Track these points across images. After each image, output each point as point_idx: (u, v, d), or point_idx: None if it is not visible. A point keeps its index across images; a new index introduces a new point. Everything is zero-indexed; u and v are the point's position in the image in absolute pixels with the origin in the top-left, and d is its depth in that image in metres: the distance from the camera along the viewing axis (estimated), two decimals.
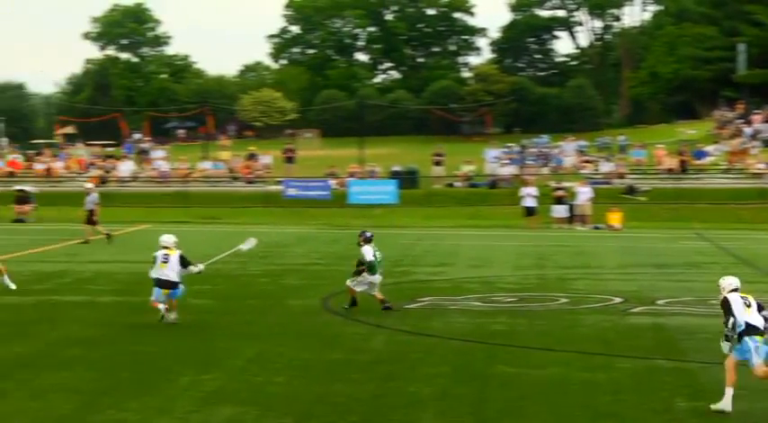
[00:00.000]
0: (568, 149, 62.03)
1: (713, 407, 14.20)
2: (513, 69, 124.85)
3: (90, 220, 38.55)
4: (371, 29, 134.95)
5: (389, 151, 75.58)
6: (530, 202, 46.63)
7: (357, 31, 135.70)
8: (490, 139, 78.63)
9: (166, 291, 20.46)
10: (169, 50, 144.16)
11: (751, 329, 14.12)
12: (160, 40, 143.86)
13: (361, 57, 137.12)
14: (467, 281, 27.84)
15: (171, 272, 20.48)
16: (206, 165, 61.62)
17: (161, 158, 63.21)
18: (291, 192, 55.64)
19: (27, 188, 50.84)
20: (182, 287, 20.69)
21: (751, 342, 14.06)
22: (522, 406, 14.47)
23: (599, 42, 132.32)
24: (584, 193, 47.09)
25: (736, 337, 14.16)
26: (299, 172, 61.74)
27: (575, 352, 17.76)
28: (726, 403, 14.13)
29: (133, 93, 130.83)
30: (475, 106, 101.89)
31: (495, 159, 60.84)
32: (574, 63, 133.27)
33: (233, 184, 59.26)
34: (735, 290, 14.67)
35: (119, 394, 14.88)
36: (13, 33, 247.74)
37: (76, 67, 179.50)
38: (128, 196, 56.03)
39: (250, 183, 59.18)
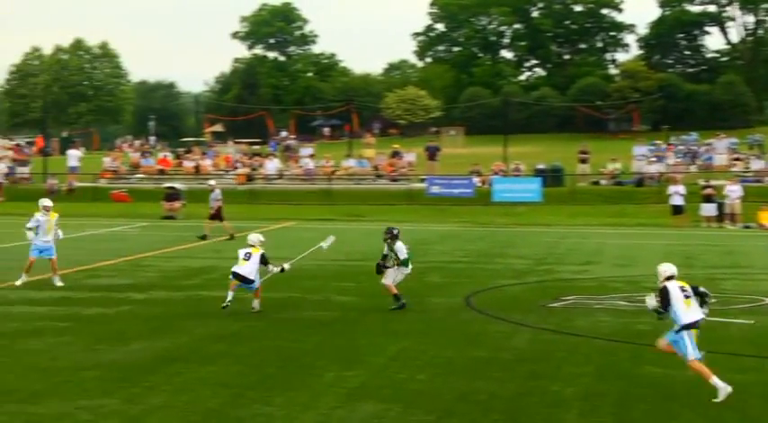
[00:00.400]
0: (719, 147, 60.74)
1: (716, 400, 14.25)
2: (662, 66, 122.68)
3: (214, 216, 39.41)
4: (517, 26, 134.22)
5: (533, 149, 75.09)
6: (677, 201, 45.87)
7: (503, 28, 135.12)
8: (637, 137, 77.48)
9: (236, 282, 21.55)
10: (315, 49, 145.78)
11: (689, 325, 14.56)
12: (307, 39, 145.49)
13: (507, 54, 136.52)
14: (612, 280, 27.48)
15: (249, 269, 21.48)
16: (350, 162, 62.07)
17: (307, 156, 63.88)
18: (435, 189, 55.70)
19: (176, 185, 51.91)
20: (256, 282, 21.59)
21: (688, 338, 14.53)
22: (669, 408, 14.20)
23: (751, 38, 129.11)
24: (734, 192, 46.11)
25: (676, 327, 14.62)
26: (442, 169, 61.74)
27: (724, 353, 17.34)
28: (722, 390, 14.32)
29: (280, 91, 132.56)
30: (622, 103, 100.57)
31: (641, 157, 59.98)
32: (724, 59, 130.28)
33: (377, 182, 59.54)
34: (670, 277, 14.89)
35: (264, 389, 15.07)
36: (164, 34, 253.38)
37: (225, 67, 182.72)
38: (273, 194, 56.77)
39: (394, 180, 59.41)
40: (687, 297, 14.70)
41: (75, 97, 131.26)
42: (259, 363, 16.81)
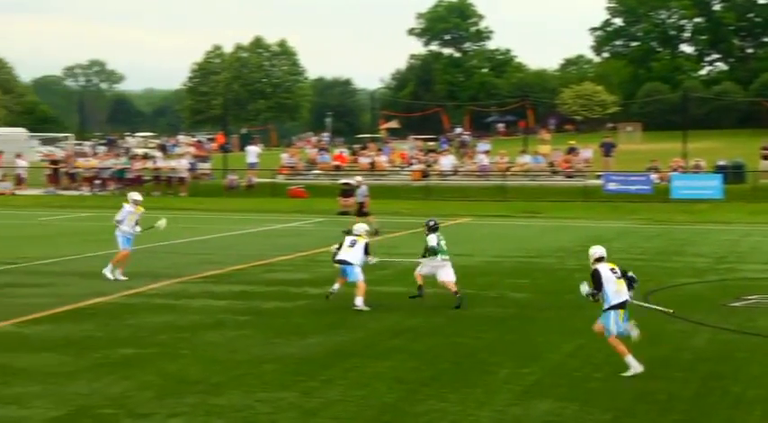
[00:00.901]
0: None
1: (625, 374, 15.43)
2: None
3: (361, 212, 39.75)
4: (698, 20, 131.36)
5: (714, 145, 73.34)
6: None
7: (683, 22, 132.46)
8: None
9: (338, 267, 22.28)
10: (491, 45, 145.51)
11: (615, 306, 15.59)
12: (482, 35, 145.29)
13: (687, 48, 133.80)
14: None
15: (353, 255, 22.12)
16: (525, 158, 61.66)
17: (483, 152, 63.74)
18: (611, 186, 54.90)
19: (352, 182, 52.44)
20: (357, 270, 22.01)
21: (614, 317, 15.60)
22: None
23: None
24: None
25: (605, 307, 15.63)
26: (618, 166, 60.80)
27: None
28: (633, 369, 15.49)
29: (455, 87, 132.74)
30: None
31: None
32: None
33: (552, 178, 59.04)
34: (600, 258, 15.98)
35: (439, 385, 15.08)
36: (341, 31, 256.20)
37: (401, 63, 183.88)
38: (447, 190, 56.82)
39: (569, 177, 58.80)
40: (618, 278, 15.73)
41: (254, 94, 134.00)
42: (434, 358, 16.83)
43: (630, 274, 16.12)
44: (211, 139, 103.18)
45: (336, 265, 22.43)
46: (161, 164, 61.68)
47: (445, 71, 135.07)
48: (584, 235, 37.80)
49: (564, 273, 28.00)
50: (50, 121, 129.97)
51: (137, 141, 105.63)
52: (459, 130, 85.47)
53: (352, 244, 22.34)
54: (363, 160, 63.70)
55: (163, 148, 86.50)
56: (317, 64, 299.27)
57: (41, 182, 61.95)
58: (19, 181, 62.30)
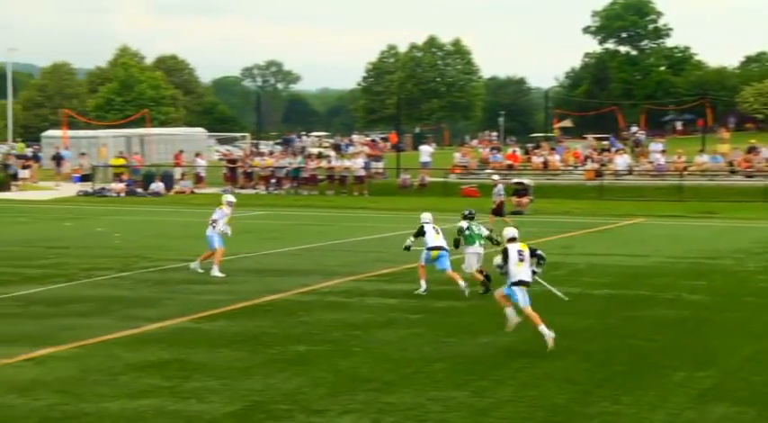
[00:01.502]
0: None
1: (508, 328, 18.01)
2: None
3: (496, 211, 39.51)
4: None
5: None
6: None
7: None
8: None
9: (436, 253, 23.48)
10: (669, 42, 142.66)
11: (519, 283, 17.60)
12: (660, 33, 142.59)
13: None
14: None
15: (442, 241, 23.47)
16: (703, 158, 60.29)
17: (658, 152, 62.58)
18: None
19: (525, 181, 52.12)
20: (447, 262, 23.55)
21: (518, 291, 17.57)
22: None
23: None
24: None
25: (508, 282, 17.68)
26: None
27: None
28: (510, 318, 17.93)
29: (631, 86, 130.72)
30: None
31: None
32: None
33: (731, 178, 57.58)
34: (512, 239, 18.05)
35: (612, 387, 14.86)
36: (515, 30, 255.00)
37: (575, 62, 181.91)
38: (621, 189, 55.96)
39: (749, 176, 57.27)
40: (521, 260, 17.75)
41: (427, 94, 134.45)
42: (607, 360, 16.59)
43: (539, 252, 18.22)
44: (385, 139, 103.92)
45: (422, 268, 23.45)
46: (335, 163, 62.44)
47: (621, 69, 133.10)
48: (764, 236, 36.78)
49: (744, 274, 27.30)
50: (228, 120, 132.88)
51: (311, 141, 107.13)
52: (634, 128, 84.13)
53: (437, 231, 23.70)
54: (536, 159, 63.24)
55: (337, 147, 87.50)
56: (491, 63, 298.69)
57: (219, 180, 63.36)
58: (198, 180, 63.87)
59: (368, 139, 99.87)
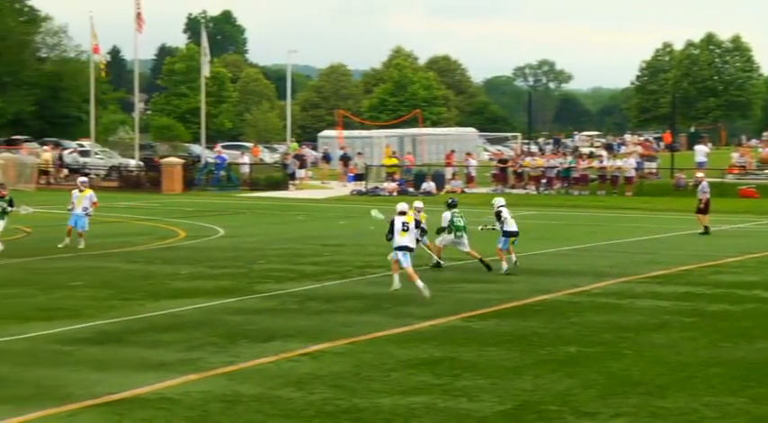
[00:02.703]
0: None
1: (390, 290, 22.67)
2: None
3: (702, 209, 37.78)
4: None
5: None
6: None
7: None
8: None
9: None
10: None
11: (402, 248, 22.56)
12: None
13: None
14: None
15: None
16: None
17: None
18: None
19: None
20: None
21: (400, 254, 22.52)
22: None
23: None
24: None
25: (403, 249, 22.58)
26: None
27: None
28: (422, 290, 22.00)
29: None
30: None
31: None
32: None
33: None
34: (402, 213, 22.96)
35: None
36: None
37: None
38: None
39: None
40: (404, 230, 22.66)
41: (703, 92, 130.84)
42: None
43: (423, 226, 25.30)
44: (658, 138, 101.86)
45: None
46: (606, 163, 61.60)
47: None
48: None
49: None
50: (499, 120, 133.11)
51: (582, 140, 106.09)
52: None
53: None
54: None
55: (609, 147, 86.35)
56: None
57: (488, 180, 63.58)
58: (469, 179, 64.29)
59: (641, 138, 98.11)
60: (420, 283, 22.00)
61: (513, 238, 26.84)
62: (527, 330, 19.03)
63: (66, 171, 66.52)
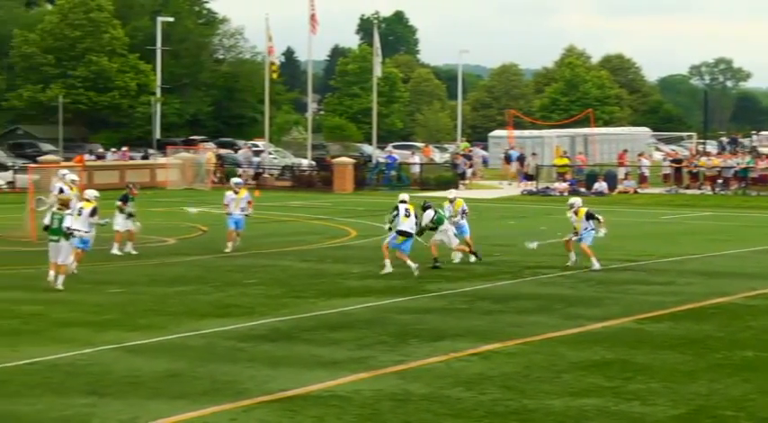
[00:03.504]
0: None
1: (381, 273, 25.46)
2: None
3: None
4: None
5: None
6: None
7: None
8: None
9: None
10: None
11: (399, 232, 25.64)
12: None
13: None
14: None
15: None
16: None
17: None
18: None
19: None
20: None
21: (400, 238, 25.59)
22: None
23: None
24: None
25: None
26: None
27: None
28: (387, 268, 25.57)
29: None
30: None
31: None
32: None
33: None
34: (402, 201, 26.16)
35: None
36: None
37: None
38: None
39: None
40: (407, 216, 25.71)
41: None
42: None
43: (418, 219, 26.52)
44: None
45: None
46: None
47: None
48: None
49: None
50: (674, 120, 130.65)
51: (761, 140, 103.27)
52: None
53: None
54: None
55: None
56: None
57: (660, 180, 62.44)
58: (642, 179, 63.25)
59: None
60: (412, 264, 25.31)
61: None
62: (702, 334, 18.63)
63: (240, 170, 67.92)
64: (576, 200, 28.32)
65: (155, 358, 16.44)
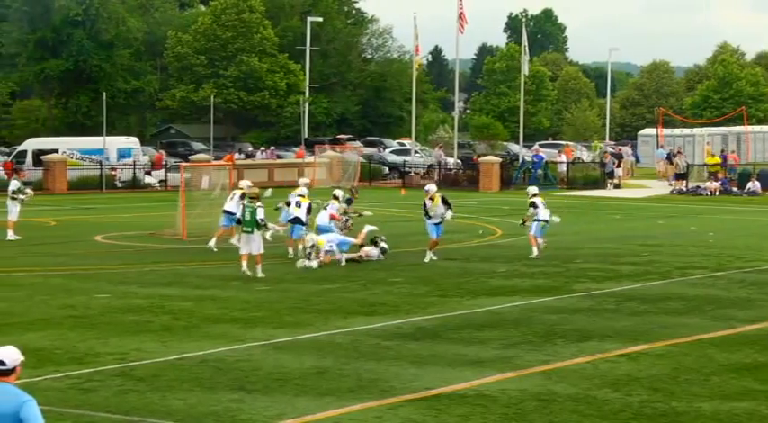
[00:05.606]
0: None
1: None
2: None
3: None
4: None
5: None
6: None
7: None
8: None
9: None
10: None
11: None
12: None
13: None
14: None
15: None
16: None
17: None
18: None
19: None
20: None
21: (430, 222, 28.26)
22: None
23: None
24: None
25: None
26: None
27: None
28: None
29: None
30: None
31: None
32: None
33: None
34: (427, 192, 28.08)
35: None
36: None
37: None
38: None
39: None
40: (298, 206, 27.12)
41: None
42: None
43: (449, 201, 28.30)
44: None
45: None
46: None
47: None
48: None
49: None
50: None
51: None
52: None
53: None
54: None
55: None
56: None
57: None
58: None
59: None
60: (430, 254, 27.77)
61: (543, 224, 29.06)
62: None
63: (386, 170, 68.31)
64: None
65: (301, 355, 16.62)
